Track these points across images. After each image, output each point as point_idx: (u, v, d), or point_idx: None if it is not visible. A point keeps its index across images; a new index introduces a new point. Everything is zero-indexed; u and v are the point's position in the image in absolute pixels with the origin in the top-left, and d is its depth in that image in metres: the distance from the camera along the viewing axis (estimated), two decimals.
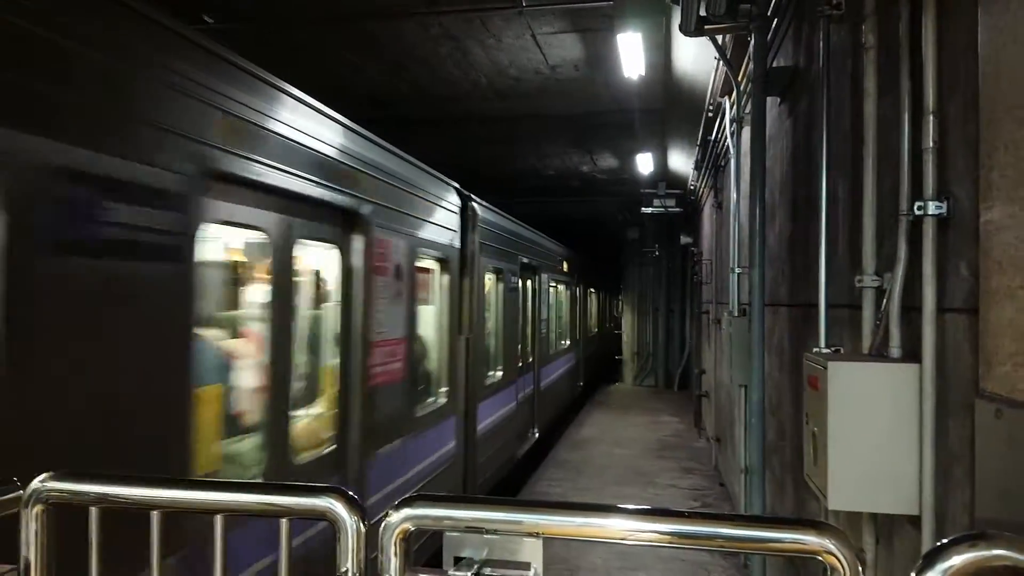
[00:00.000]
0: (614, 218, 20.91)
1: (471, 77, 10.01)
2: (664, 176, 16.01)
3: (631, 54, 7.84)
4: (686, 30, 5.33)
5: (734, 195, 7.34)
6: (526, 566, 1.44)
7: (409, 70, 9.72)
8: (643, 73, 8.56)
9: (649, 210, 16.50)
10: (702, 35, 5.65)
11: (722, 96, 8.20)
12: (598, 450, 11.83)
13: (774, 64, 5.52)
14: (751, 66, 5.35)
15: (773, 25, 5.32)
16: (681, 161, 14.47)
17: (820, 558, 1.28)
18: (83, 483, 1.60)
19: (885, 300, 2.67)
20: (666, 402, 17.69)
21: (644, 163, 14.84)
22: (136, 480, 1.61)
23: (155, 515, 1.56)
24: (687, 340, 19.76)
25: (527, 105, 11.26)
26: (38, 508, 1.61)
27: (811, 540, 1.30)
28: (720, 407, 9.84)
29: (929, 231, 2.32)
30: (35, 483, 1.63)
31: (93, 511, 1.64)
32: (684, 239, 16.95)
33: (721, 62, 6.96)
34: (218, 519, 1.51)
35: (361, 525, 1.43)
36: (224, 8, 7.58)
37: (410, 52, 9.04)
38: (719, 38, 6.37)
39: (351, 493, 1.47)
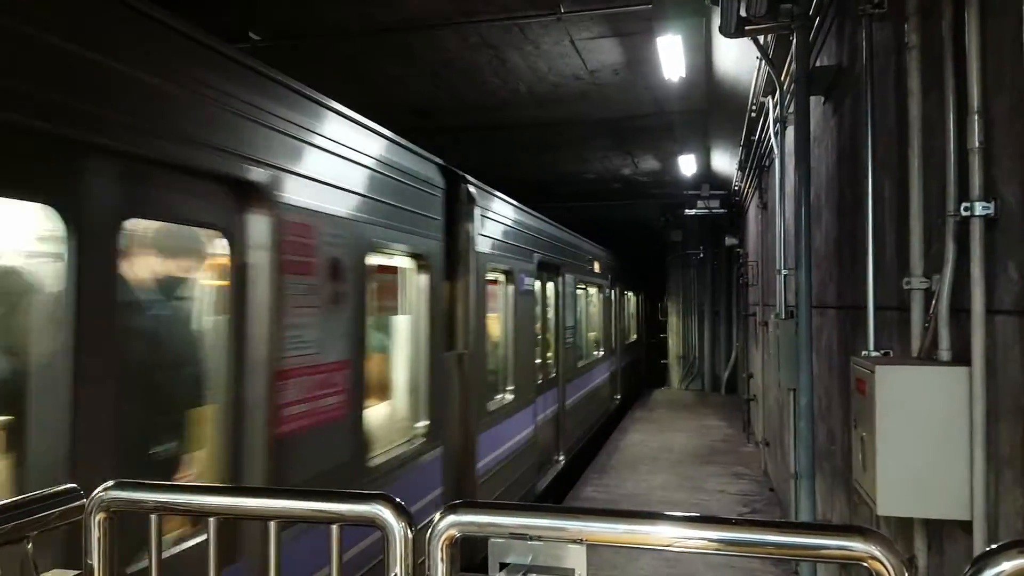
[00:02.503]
0: (657, 221, 20.75)
1: (510, 85, 10.07)
2: (707, 177, 15.86)
3: (671, 56, 7.81)
4: (726, 31, 5.29)
5: (779, 195, 7.25)
6: (570, 573, 1.46)
7: (448, 80, 9.82)
8: (684, 75, 8.51)
9: (692, 212, 16.38)
10: (743, 36, 5.60)
11: (765, 96, 8.10)
12: (643, 453, 11.76)
13: (817, 63, 5.45)
14: (794, 66, 5.30)
15: (815, 24, 5.25)
16: (724, 162, 14.32)
17: (866, 564, 1.28)
18: (143, 492, 1.67)
19: (934, 302, 2.62)
20: (713, 407, 17.48)
21: (687, 165, 14.72)
22: (193, 488, 1.68)
23: (212, 522, 1.63)
24: (734, 343, 19.50)
25: (567, 110, 11.27)
26: (101, 516, 1.69)
27: (857, 547, 1.30)
28: (769, 411, 9.70)
29: (976, 232, 2.28)
30: (98, 492, 1.71)
31: (153, 519, 1.71)
32: (729, 240, 16.76)
33: (763, 62, 6.89)
34: (272, 525, 1.57)
35: (409, 531, 1.47)
36: (268, 26, 7.77)
37: (449, 62, 9.14)
38: (760, 38, 6.31)
39: (399, 500, 1.52)
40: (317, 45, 8.31)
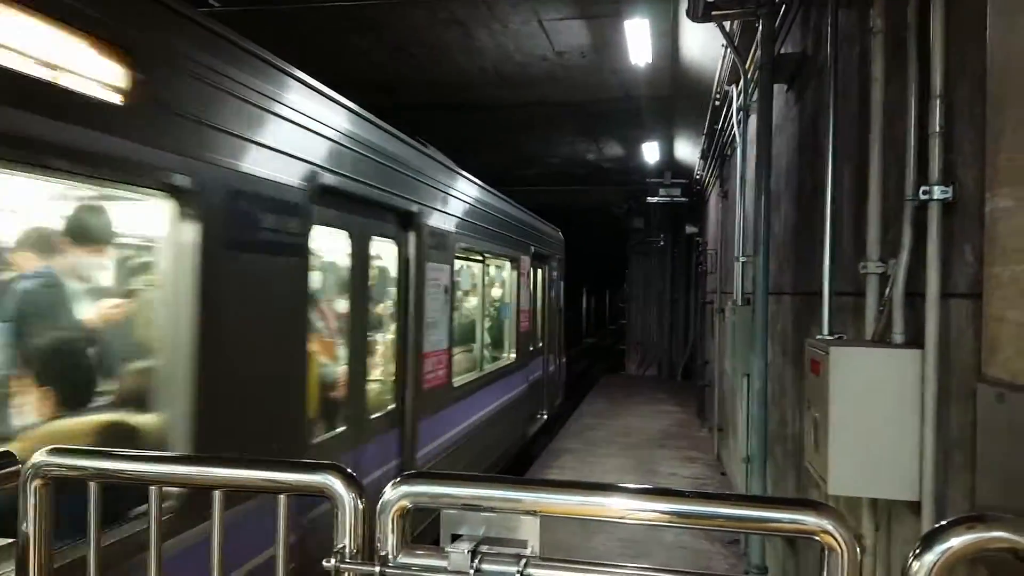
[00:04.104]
0: (619, 207, 20.85)
1: (477, 63, 9.97)
2: (670, 165, 15.95)
3: (638, 41, 7.80)
4: (694, 15, 5.29)
5: (739, 184, 7.31)
6: (523, 544, 1.44)
7: (415, 56, 9.68)
8: (650, 60, 8.52)
9: (655, 199, 16.44)
10: (709, 21, 5.60)
11: (729, 84, 8.14)
12: (599, 437, 11.85)
13: (782, 51, 5.48)
14: (759, 53, 5.31)
15: (781, 11, 5.27)
16: (687, 151, 14.41)
17: (818, 538, 1.28)
18: (82, 458, 1.61)
19: (889, 286, 2.66)
20: (668, 392, 17.70)
21: (650, 152, 14.78)
22: (135, 456, 1.61)
23: (153, 490, 1.57)
24: (691, 330, 19.75)
25: (534, 92, 11.21)
26: (37, 483, 1.62)
27: (809, 520, 1.30)
28: (723, 397, 9.84)
29: (934, 216, 2.30)
30: (35, 457, 1.64)
31: (92, 486, 1.65)
32: (689, 229, 16.90)
33: (729, 49, 6.91)
34: (217, 495, 1.52)
35: (359, 502, 1.43)
36: None
37: (416, 37, 9.00)
38: (727, 24, 6.32)
39: (349, 470, 1.48)
40: (278, 12, 8.11)
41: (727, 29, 6.38)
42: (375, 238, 5.05)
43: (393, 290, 5.64)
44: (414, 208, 5.58)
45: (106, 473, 1.60)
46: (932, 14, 2.33)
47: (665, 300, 21.60)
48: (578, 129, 14.11)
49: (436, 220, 6.17)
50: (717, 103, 9.26)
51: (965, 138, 2.17)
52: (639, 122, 12.82)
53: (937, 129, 2.28)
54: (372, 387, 5.16)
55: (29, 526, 1.62)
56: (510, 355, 10.15)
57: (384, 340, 5.61)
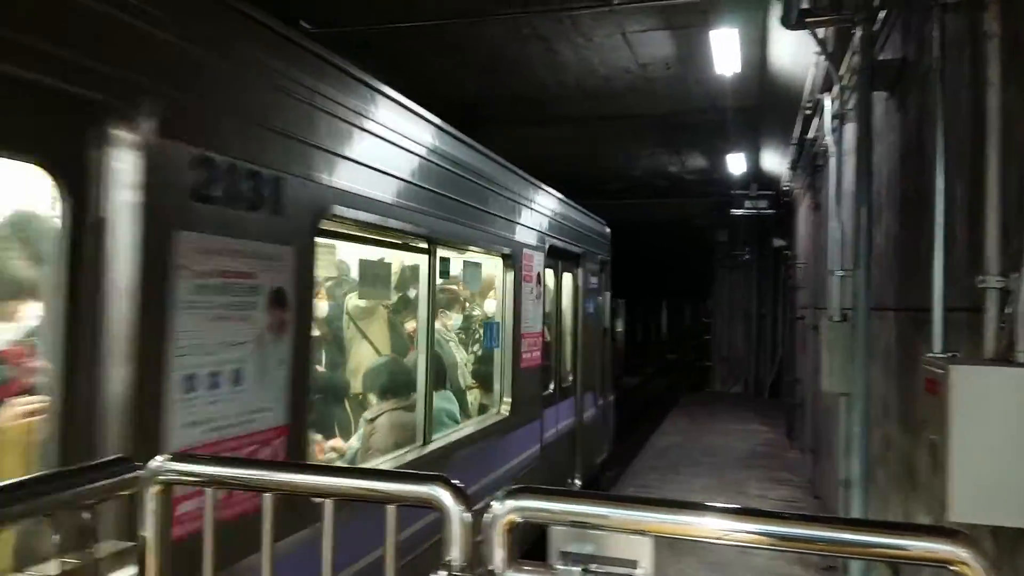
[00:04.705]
0: (702, 220, 20.48)
1: (559, 78, 10.00)
2: (756, 176, 15.58)
3: (726, 50, 7.67)
4: (787, 23, 5.16)
5: (834, 195, 7.05)
6: (632, 564, 1.41)
7: (497, 73, 9.78)
8: (739, 70, 8.36)
9: (740, 212, 16.09)
10: (804, 28, 5.46)
11: (822, 92, 7.90)
12: (682, 456, 11.60)
13: (880, 57, 5.28)
14: (855, 59, 5.13)
15: (879, 17, 5.08)
16: (774, 161, 14.05)
17: (954, 568, 1.20)
18: (198, 464, 1.66)
19: (1011, 301, 2.50)
20: (755, 410, 17.19)
21: (735, 163, 14.47)
22: (249, 463, 1.66)
23: (267, 497, 1.60)
24: (779, 346, 19.15)
25: (616, 105, 11.17)
26: (156, 488, 1.68)
27: (942, 548, 1.22)
28: (817, 417, 9.48)
29: None
30: (153, 464, 1.70)
31: (208, 492, 1.70)
32: (777, 242, 16.43)
33: (822, 57, 6.71)
34: (328, 503, 1.54)
35: (468, 515, 1.43)
36: (318, 14, 7.81)
37: (499, 54, 9.10)
38: (820, 31, 6.15)
39: (457, 482, 1.47)
40: (365, 35, 8.34)
41: (820, 36, 6.21)
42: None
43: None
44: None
45: (221, 479, 1.65)
46: None
47: (752, 315, 21.04)
48: (660, 141, 13.96)
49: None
50: (808, 112, 9.00)
51: None
52: (723, 133, 12.59)
53: None
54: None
55: (148, 530, 1.69)
56: (500, 408, 6.11)
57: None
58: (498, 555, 1.43)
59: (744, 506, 1.29)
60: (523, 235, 6.42)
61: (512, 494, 1.42)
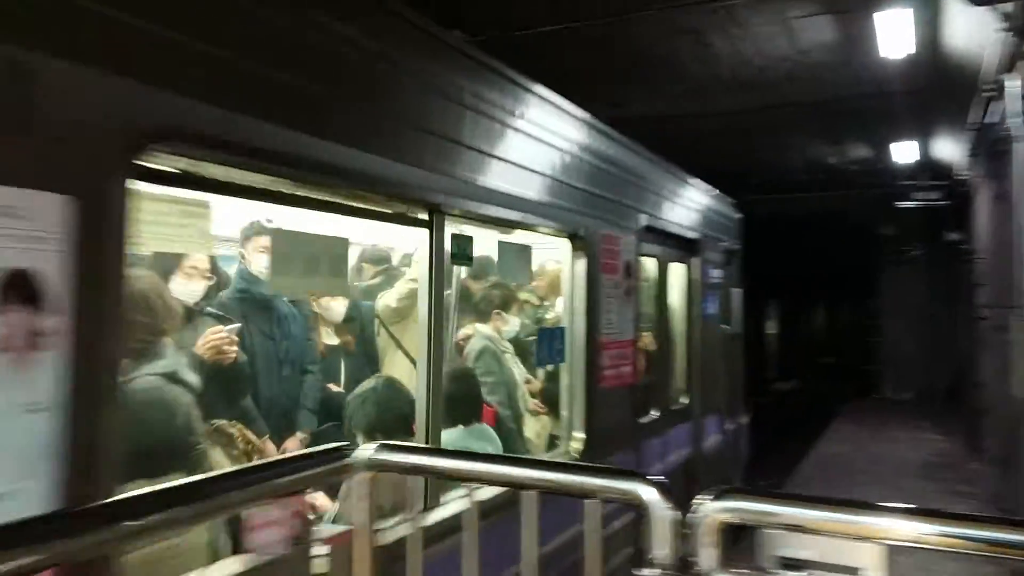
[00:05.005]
0: (864, 213, 19.22)
1: (712, 70, 9.72)
2: (926, 166, 14.44)
3: (895, 31, 7.18)
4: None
5: (1022, 183, 6.43)
6: (854, 572, 1.33)
7: (644, 68, 9.65)
8: (912, 51, 7.80)
9: (907, 204, 14.99)
10: (990, 4, 5.05)
11: (1005, 72, 7.22)
12: (850, 465, 10.94)
13: None
14: None
15: None
16: (946, 149, 12.97)
17: None
18: (407, 455, 1.74)
19: None
20: (928, 417, 15.93)
21: (901, 152, 13.49)
22: (453, 454, 1.72)
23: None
24: (956, 348, 17.65)
25: (770, 95, 10.72)
26: (367, 475, 1.78)
27: None
28: (1006, 425, 8.66)
29: None
30: (363, 452, 1.80)
31: (410, 480, 1.78)
32: (951, 236, 15.16)
33: (1009, 33, 6.14)
34: (532, 495, 1.57)
35: (676, 514, 1.41)
36: (474, 21, 8.01)
37: (647, 50, 8.97)
38: (1009, 6, 5.66)
39: (663, 478, 1.46)
40: (512, 39, 8.45)
41: (1008, 12, 5.70)
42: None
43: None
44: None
45: (426, 468, 1.72)
46: None
47: (924, 315, 19.47)
48: (819, 130, 13.26)
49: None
50: (989, 94, 8.25)
51: None
52: (889, 119, 11.77)
53: None
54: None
55: (360, 514, 1.79)
56: (569, 444, 4.37)
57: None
58: (705, 555, 1.40)
59: (991, 515, 1.19)
60: (602, 209, 4.78)
61: (723, 494, 1.38)
